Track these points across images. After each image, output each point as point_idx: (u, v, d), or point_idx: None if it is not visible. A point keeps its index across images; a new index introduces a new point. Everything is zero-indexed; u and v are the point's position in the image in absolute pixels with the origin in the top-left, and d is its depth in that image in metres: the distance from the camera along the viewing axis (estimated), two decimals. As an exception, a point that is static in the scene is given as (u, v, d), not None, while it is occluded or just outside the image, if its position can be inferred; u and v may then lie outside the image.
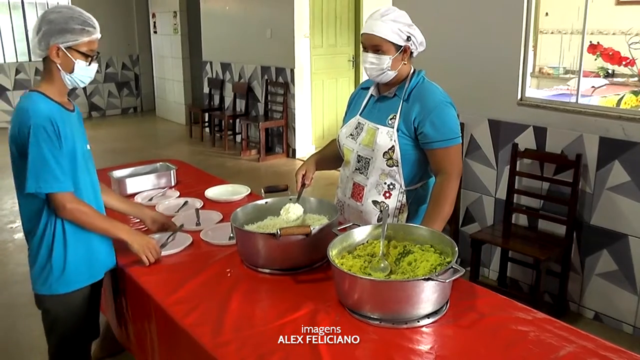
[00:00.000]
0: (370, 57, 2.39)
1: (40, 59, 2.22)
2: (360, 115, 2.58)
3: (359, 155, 2.53)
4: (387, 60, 2.37)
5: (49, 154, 2.13)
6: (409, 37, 2.37)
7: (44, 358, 3.41)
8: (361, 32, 2.44)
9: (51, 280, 2.29)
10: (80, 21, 2.19)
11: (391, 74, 2.42)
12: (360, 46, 2.49)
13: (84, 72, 2.26)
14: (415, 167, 2.47)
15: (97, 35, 2.24)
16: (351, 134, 2.57)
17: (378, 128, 2.45)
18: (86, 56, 2.22)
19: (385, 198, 2.48)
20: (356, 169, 2.55)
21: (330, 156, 2.81)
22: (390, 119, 2.44)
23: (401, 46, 2.37)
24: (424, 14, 4.67)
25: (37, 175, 2.13)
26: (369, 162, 2.49)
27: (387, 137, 2.42)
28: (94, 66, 2.29)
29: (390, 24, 2.34)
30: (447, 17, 4.54)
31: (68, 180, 2.20)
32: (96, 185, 2.46)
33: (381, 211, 2.43)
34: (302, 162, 2.77)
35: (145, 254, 2.36)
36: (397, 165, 2.43)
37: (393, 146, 2.41)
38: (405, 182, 2.47)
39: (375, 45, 2.37)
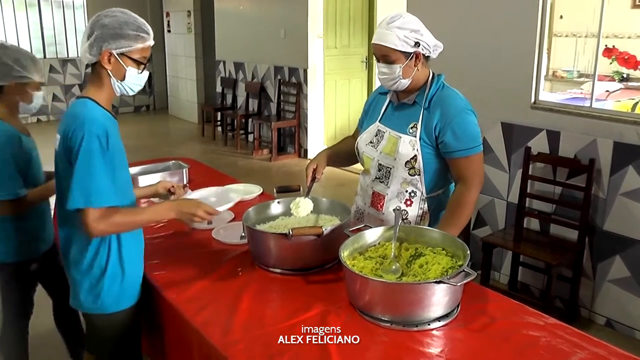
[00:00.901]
0: (382, 67, 2.35)
1: (83, 63, 2.10)
2: (379, 122, 2.53)
3: (379, 164, 2.47)
4: (397, 69, 2.32)
5: (99, 165, 1.97)
6: (417, 42, 2.30)
7: (56, 353, 3.44)
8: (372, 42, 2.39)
9: (102, 299, 2.14)
10: (135, 27, 2.08)
11: (405, 82, 2.37)
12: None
13: (135, 80, 2.14)
14: (437, 175, 2.43)
15: (151, 42, 2.14)
16: (371, 142, 2.52)
17: (400, 137, 2.40)
18: (138, 63, 2.11)
19: (407, 206, 2.44)
20: (376, 178, 2.50)
21: (342, 153, 2.77)
22: (412, 128, 2.39)
23: (410, 53, 2.31)
24: (438, 16, 4.67)
25: (87, 187, 1.96)
26: (390, 171, 2.44)
27: (409, 146, 2.37)
28: (145, 74, 2.17)
29: (396, 31, 2.28)
30: (461, 20, 4.53)
31: (113, 195, 2.02)
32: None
33: (394, 211, 2.40)
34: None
35: (196, 220, 2.20)
36: (419, 175, 2.40)
37: (415, 155, 2.36)
38: (427, 190, 2.44)
39: (384, 55, 2.32)
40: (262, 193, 3.26)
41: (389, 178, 2.45)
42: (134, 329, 2.29)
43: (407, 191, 2.44)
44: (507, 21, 4.19)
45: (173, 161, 3.76)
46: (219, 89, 10.27)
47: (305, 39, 8.00)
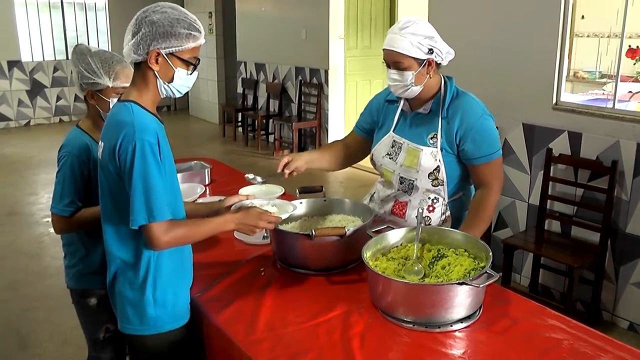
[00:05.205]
0: (393, 73, 2.30)
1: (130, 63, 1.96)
2: (394, 132, 2.50)
3: (401, 177, 2.46)
4: (410, 76, 2.28)
5: (157, 177, 1.84)
6: (431, 49, 2.27)
7: (78, 349, 3.49)
8: (382, 47, 2.33)
9: (156, 317, 1.99)
10: (187, 24, 1.91)
11: (416, 90, 2.33)
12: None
13: (183, 82, 1.98)
14: (459, 180, 2.44)
15: (202, 40, 1.98)
16: (388, 154, 2.49)
17: (422, 149, 2.37)
18: (188, 64, 1.95)
19: (429, 212, 2.45)
20: (399, 190, 2.49)
21: (324, 159, 2.69)
22: (431, 138, 2.38)
23: (423, 60, 2.27)
24: (459, 17, 4.66)
25: (149, 201, 1.82)
26: (412, 183, 2.43)
27: (431, 157, 2.36)
28: (194, 75, 2.01)
29: (410, 37, 2.23)
30: (482, 21, 4.51)
31: (169, 207, 1.88)
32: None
33: (417, 217, 2.40)
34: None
35: (259, 230, 2.09)
36: (443, 185, 2.40)
37: (438, 166, 2.36)
38: (449, 195, 2.44)
39: (396, 62, 2.28)
40: (284, 193, 3.27)
41: (412, 189, 2.45)
42: (188, 348, 2.12)
43: (429, 198, 2.44)
44: (528, 22, 4.17)
45: (195, 161, 3.79)
46: (239, 89, 10.33)
47: (326, 39, 8.02)
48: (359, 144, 2.71)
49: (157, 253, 1.95)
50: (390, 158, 2.49)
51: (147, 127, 1.85)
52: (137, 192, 1.81)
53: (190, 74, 1.98)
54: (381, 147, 2.54)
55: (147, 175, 1.82)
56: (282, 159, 2.51)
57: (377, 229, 2.28)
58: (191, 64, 1.96)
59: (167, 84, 1.95)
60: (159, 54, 1.88)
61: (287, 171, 2.51)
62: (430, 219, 2.45)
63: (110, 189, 1.94)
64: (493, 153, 2.35)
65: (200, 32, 1.96)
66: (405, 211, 2.49)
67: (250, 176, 2.73)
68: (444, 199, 2.44)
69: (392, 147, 2.49)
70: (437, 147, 2.36)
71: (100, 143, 1.97)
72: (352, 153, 2.73)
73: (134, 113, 1.88)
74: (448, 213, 2.46)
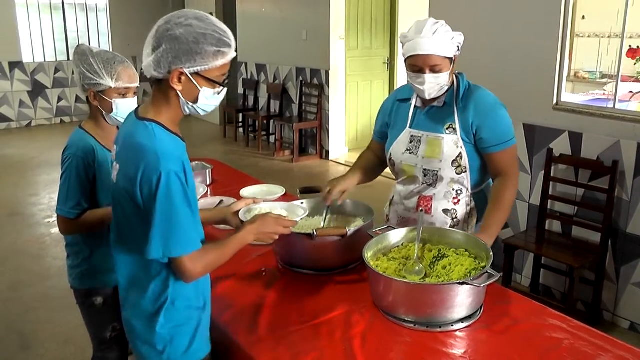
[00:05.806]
0: (429, 77, 2.29)
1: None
2: (410, 128, 2.50)
3: (424, 169, 2.45)
4: (445, 76, 2.31)
5: (181, 207, 1.65)
6: (458, 46, 2.31)
7: (79, 349, 3.50)
8: (410, 54, 2.29)
9: (172, 353, 1.83)
10: (215, 40, 1.67)
11: (446, 87, 2.38)
12: (404, 64, 2.37)
13: (209, 101, 1.77)
14: (481, 170, 2.44)
15: (232, 54, 1.74)
16: (408, 149, 2.49)
17: (443, 137, 2.38)
18: (215, 83, 1.74)
19: (454, 205, 2.45)
20: (423, 184, 2.48)
21: (367, 173, 2.68)
22: (448, 128, 2.39)
23: (452, 57, 2.32)
24: (460, 17, 4.66)
25: (166, 236, 1.64)
26: (437, 174, 2.42)
27: (453, 145, 2.37)
28: (223, 93, 1.80)
29: (444, 39, 2.25)
30: (482, 21, 4.52)
31: (197, 235, 1.74)
32: None
33: (419, 215, 2.40)
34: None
35: (276, 238, 1.99)
36: (466, 172, 2.40)
37: (460, 153, 2.37)
38: (472, 186, 2.44)
39: (434, 65, 2.28)
40: (285, 194, 3.28)
41: (437, 180, 2.44)
42: None
43: (454, 189, 2.44)
44: (529, 22, 4.18)
45: (197, 162, 3.79)
46: (240, 90, 10.33)
47: (327, 40, 8.02)
48: (383, 150, 2.68)
49: (174, 283, 1.78)
50: (410, 153, 2.48)
51: (170, 153, 1.66)
52: (158, 222, 1.64)
53: (219, 93, 1.78)
54: (399, 145, 2.53)
55: (173, 207, 1.64)
56: (329, 196, 2.46)
57: (378, 229, 2.29)
58: (219, 83, 1.75)
59: (190, 104, 1.75)
60: (182, 73, 1.67)
61: (339, 202, 2.51)
62: (456, 211, 2.45)
63: (126, 215, 1.75)
64: (509, 140, 2.37)
65: (231, 47, 1.72)
66: (431, 205, 2.47)
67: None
68: (467, 189, 2.44)
69: (411, 142, 2.49)
70: (457, 135, 2.37)
71: (115, 165, 1.79)
72: (383, 159, 2.70)
73: (156, 137, 1.68)
74: (473, 204, 2.46)
